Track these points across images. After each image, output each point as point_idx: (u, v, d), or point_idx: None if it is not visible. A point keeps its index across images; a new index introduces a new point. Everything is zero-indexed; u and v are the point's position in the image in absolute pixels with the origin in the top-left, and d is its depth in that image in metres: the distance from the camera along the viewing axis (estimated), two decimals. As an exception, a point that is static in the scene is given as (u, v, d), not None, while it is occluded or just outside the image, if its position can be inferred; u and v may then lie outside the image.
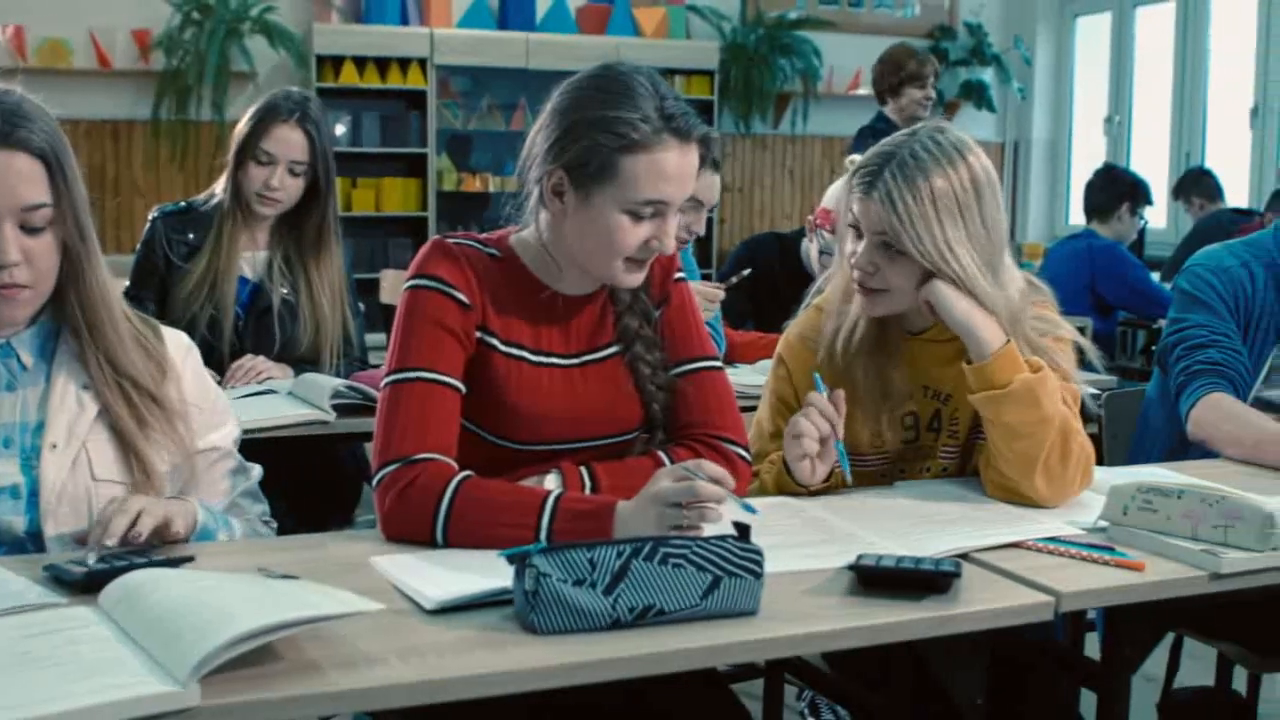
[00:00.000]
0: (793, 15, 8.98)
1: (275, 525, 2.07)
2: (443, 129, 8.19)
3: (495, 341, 2.01)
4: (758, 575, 1.58)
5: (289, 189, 3.24)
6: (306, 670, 1.37)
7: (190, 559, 1.71)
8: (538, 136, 1.98)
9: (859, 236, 2.20)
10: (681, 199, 1.96)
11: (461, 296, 1.98)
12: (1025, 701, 2.12)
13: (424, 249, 2.02)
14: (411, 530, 1.84)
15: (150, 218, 3.35)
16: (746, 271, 3.68)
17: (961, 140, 2.17)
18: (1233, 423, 2.56)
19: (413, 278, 2.00)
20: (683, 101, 1.96)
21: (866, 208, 2.15)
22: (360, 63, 7.85)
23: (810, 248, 3.76)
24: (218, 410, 2.02)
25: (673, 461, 1.99)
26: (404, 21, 8.08)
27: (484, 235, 2.08)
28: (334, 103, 7.75)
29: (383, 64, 7.92)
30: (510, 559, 1.53)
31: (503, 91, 8.29)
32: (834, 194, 3.64)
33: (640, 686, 1.53)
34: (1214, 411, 2.59)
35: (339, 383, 2.86)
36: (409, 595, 1.61)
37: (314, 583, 1.55)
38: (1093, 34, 9.58)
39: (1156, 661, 3.02)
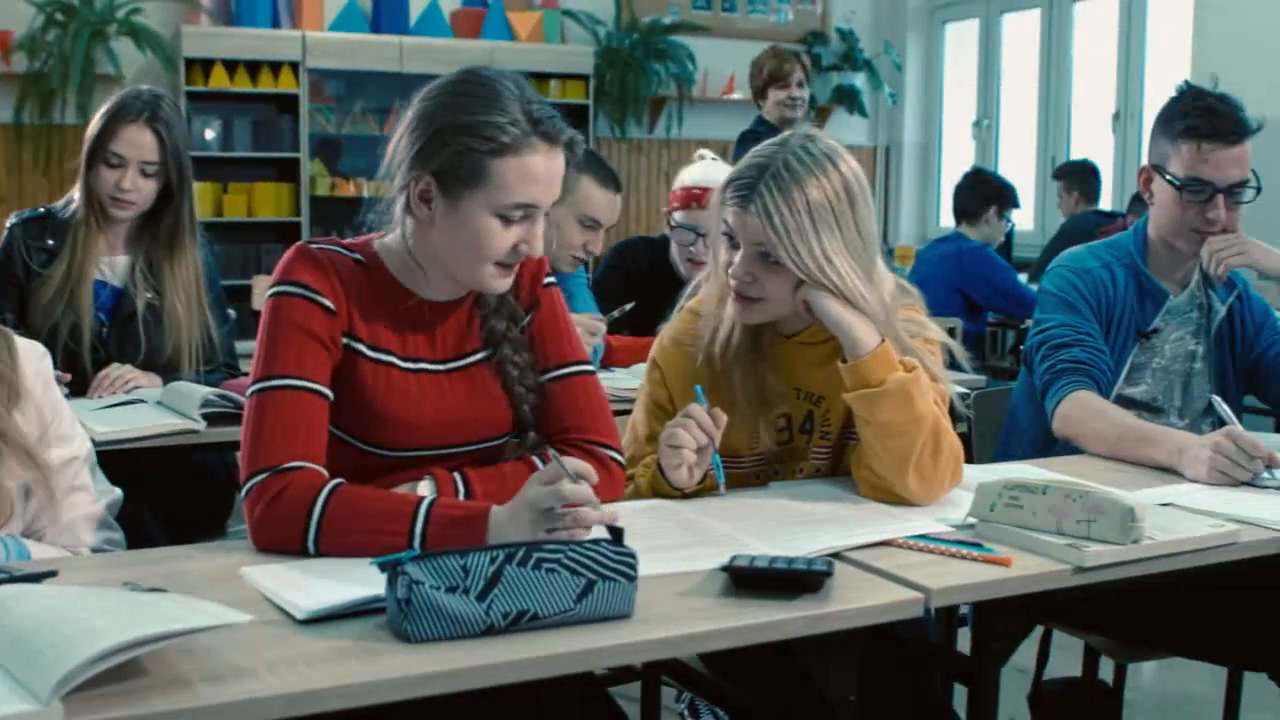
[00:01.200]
0: (667, 20, 9.03)
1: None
2: (315, 133, 8.10)
3: (362, 347, 1.99)
4: (631, 578, 1.59)
5: (142, 190, 3.17)
6: (174, 685, 1.34)
7: (53, 573, 1.66)
8: (401, 142, 1.97)
9: (734, 246, 2.21)
10: (549, 202, 1.97)
11: (326, 302, 1.96)
12: (898, 697, 2.15)
13: (287, 255, 1.99)
14: (282, 540, 1.82)
15: (8, 225, 3.27)
16: (629, 306, 3.67)
17: (832, 147, 2.20)
18: (1096, 419, 2.62)
19: (276, 284, 1.97)
20: (548, 105, 1.97)
21: (743, 221, 2.17)
22: (230, 66, 7.73)
23: (672, 240, 3.79)
24: (64, 425, 1.99)
25: (546, 466, 1.99)
26: (275, 24, 7.98)
27: (348, 240, 2.06)
28: (204, 106, 7.65)
29: (253, 67, 7.81)
30: (382, 566, 1.52)
31: (376, 95, 8.22)
32: (684, 179, 3.70)
33: (516, 692, 1.52)
34: (1078, 409, 2.65)
35: (208, 391, 2.81)
36: (280, 605, 1.59)
37: (182, 595, 1.52)
38: (961, 40, 9.77)
39: (1027, 654, 3.09)
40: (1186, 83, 2.84)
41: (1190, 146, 2.70)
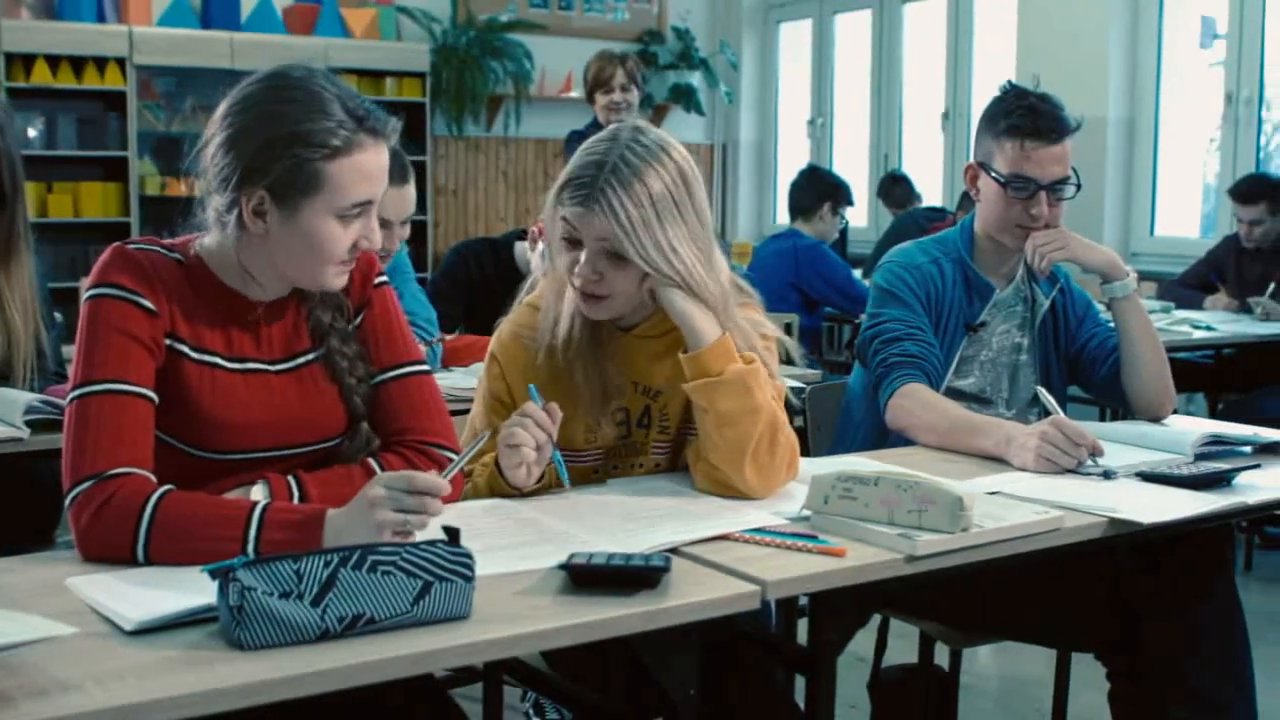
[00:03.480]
0: (504, 18, 9.00)
1: None
2: (145, 131, 7.91)
3: (185, 349, 1.95)
4: (469, 579, 1.58)
5: None
6: (-5, 702, 1.31)
7: None
8: (221, 155, 1.93)
9: (572, 246, 2.21)
10: (381, 194, 1.97)
11: (147, 303, 1.91)
12: (739, 690, 2.18)
13: (103, 256, 1.95)
14: (111, 549, 1.77)
15: None
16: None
17: (661, 136, 2.22)
18: (927, 411, 2.68)
19: (93, 287, 1.92)
20: (363, 97, 1.96)
21: (588, 220, 2.16)
22: (54, 61, 7.52)
23: (532, 255, 3.76)
24: None
25: (383, 469, 1.98)
26: (100, 19, 7.77)
27: (168, 240, 2.02)
28: (26, 103, 7.41)
29: (78, 63, 7.61)
30: (214, 574, 1.49)
31: (208, 92, 7.89)
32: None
33: (354, 697, 1.50)
34: (910, 401, 2.70)
35: (32, 397, 2.73)
36: (108, 617, 1.55)
37: (3, 609, 1.48)
38: (795, 39, 9.91)
39: (865, 643, 3.14)
40: (1010, 82, 2.91)
41: (1014, 145, 2.78)
